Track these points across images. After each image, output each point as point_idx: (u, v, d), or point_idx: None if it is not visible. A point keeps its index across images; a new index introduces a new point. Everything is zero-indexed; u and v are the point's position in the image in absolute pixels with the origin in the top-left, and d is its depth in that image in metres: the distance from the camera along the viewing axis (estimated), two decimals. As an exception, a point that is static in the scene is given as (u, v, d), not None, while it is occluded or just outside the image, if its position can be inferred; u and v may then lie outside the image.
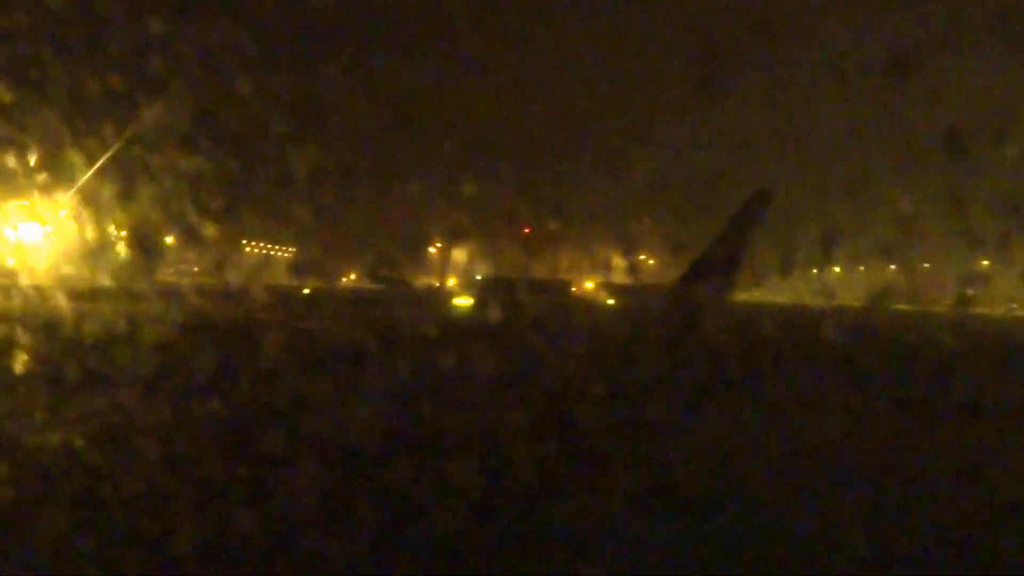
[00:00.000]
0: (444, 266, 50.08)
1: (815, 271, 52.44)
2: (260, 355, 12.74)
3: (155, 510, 6.02)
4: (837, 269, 53.39)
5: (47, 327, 12.93)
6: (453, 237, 50.18)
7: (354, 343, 14.63)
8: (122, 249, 30.07)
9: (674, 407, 10.71)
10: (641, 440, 9.31)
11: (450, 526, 6.02)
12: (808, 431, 10.29)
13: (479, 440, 8.59)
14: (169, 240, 40.04)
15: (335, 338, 16.02)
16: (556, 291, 38.54)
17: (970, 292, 44.92)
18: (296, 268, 48.70)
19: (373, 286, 44.29)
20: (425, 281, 50.18)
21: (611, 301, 34.98)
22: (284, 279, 49.21)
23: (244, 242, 53.25)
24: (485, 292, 29.91)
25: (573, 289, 43.44)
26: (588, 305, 34.59)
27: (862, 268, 51.18)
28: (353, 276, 61.69)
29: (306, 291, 36.59)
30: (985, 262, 39.55)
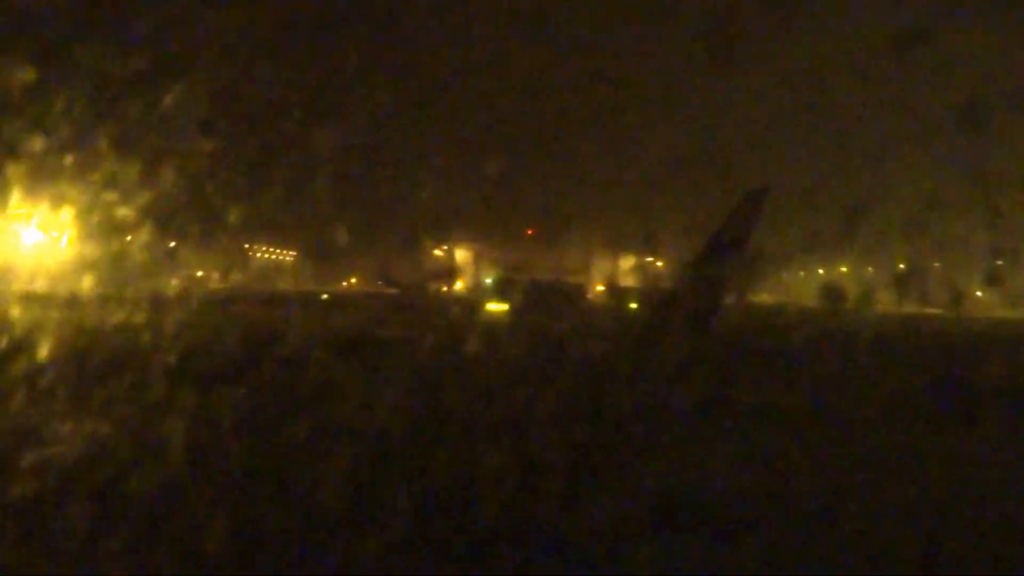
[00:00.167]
0: (452, 270, 49.90)
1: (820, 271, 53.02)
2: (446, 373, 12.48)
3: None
4: (843, 269, 53.83)
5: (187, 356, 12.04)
6: (457, 239, 50.11)
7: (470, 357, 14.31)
8: (136, 255, 29.64)
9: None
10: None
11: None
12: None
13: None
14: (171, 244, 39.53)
15: (448, 351, 15.65)
16: (571, 295, 38.41)
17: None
18: (302, 272, 48.31)
19: (387, 291, 44.06)
20: (434, 286, 49.96)
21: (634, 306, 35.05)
22: (286, 284, 48.76)
23: (247, 246, 52.65)
24: (518, 298, 29.87)
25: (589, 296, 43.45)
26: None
27: (870, 269, 51.45)
28: (354, 280, 61.29)
29: (324, 296, 36.30)
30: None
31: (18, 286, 25.55)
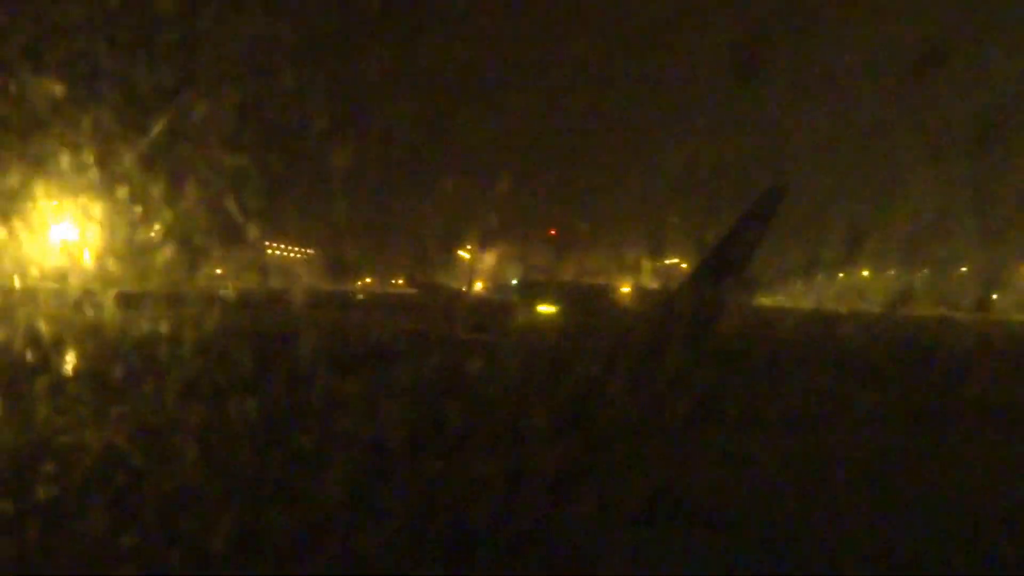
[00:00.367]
0: (474, 270, 49.28)
1: (840, 275, 52.70)
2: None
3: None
4: (865, 272, 53.63)
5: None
6: (481, 240, 49.52)
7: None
8: (167, 251, 29.12)
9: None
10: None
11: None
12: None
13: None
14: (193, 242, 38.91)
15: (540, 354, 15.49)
16: (603, 297, 38.11)
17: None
18: (326, 271, 47.66)
19: (410, 291, 43.48)
20: (457, 287, 49.38)
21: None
22: (301, 283, 48.10)
23: (268, 244, 51.88)
24: (564, 299, 29.64)
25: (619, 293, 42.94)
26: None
27: (892, 272, 51.35)
28: (369, 280, 60.68)
29: (360, 297, 35.78)
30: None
31: (46, 283, 24.94)
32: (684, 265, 50.08)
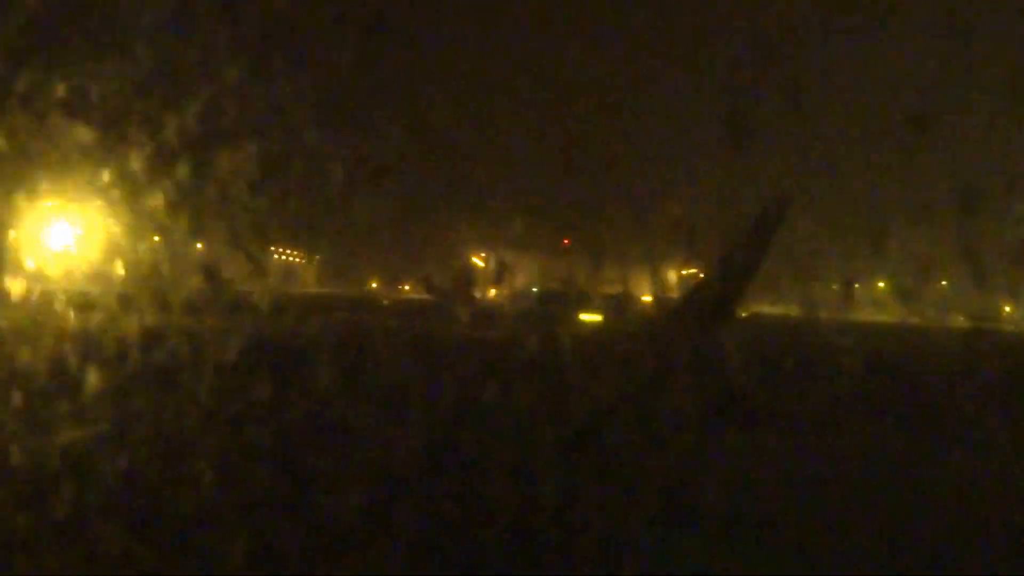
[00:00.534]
0: (492, 278, 48.07)
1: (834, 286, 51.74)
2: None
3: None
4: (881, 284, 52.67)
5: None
6: (494, 247, 48.50)
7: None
8: (167, 256, 28.17)
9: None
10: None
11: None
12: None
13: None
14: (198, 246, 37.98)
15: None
16: (628, 305, 37.50)
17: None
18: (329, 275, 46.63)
19: (423, 296, 42.43)
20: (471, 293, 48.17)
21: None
22: (307, 287, 47.10)
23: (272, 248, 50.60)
24: (605, 308, 29.52)
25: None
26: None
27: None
28: (374, 284, 59.48)
29: (385, 302, 34.91)
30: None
31: (51, 286, 23.57)
32: (703, 275, 49.23)
